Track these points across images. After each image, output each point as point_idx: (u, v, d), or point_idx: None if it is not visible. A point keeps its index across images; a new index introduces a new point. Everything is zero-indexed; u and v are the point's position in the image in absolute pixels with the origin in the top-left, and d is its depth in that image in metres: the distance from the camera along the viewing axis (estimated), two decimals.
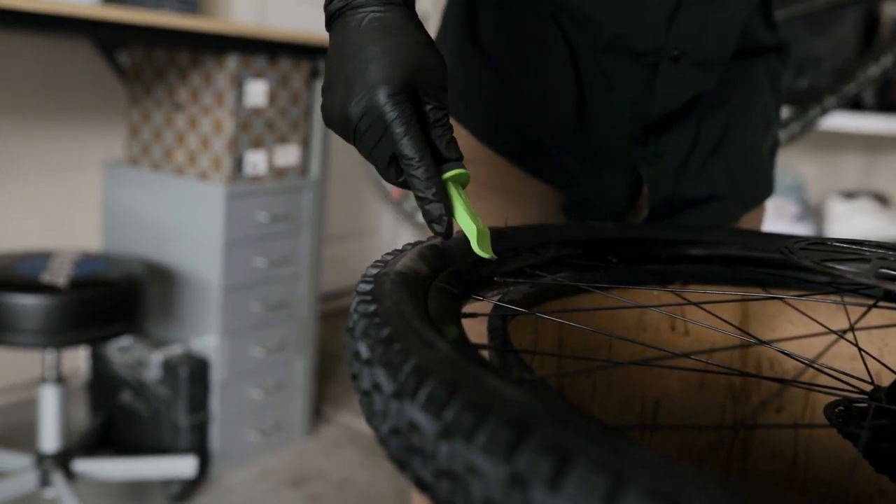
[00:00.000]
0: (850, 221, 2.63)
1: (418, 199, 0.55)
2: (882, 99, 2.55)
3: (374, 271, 0.49)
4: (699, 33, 0.77)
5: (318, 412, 2.57)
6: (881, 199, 2.67)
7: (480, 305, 0.55)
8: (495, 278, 0.59)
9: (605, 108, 0.82)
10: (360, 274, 2.96)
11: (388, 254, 0.54)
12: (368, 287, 0.45)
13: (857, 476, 0.75)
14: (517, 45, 0.84)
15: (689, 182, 0.85)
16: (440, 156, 0.57)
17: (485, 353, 0.44)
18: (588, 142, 0.84)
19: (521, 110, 0.86)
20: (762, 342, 0.59)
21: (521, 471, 0.27)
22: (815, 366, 0.53)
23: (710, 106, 0.84)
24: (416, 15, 0.61)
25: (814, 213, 2.74)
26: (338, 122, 0.57)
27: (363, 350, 0.38)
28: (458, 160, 0.58)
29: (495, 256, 0.57)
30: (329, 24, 0.61)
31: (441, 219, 0.55)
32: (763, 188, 0.92)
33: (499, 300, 0.56)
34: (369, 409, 0.37)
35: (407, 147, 0.54)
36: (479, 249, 0.56)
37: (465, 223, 0.56)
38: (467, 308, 0.53)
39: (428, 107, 0.57)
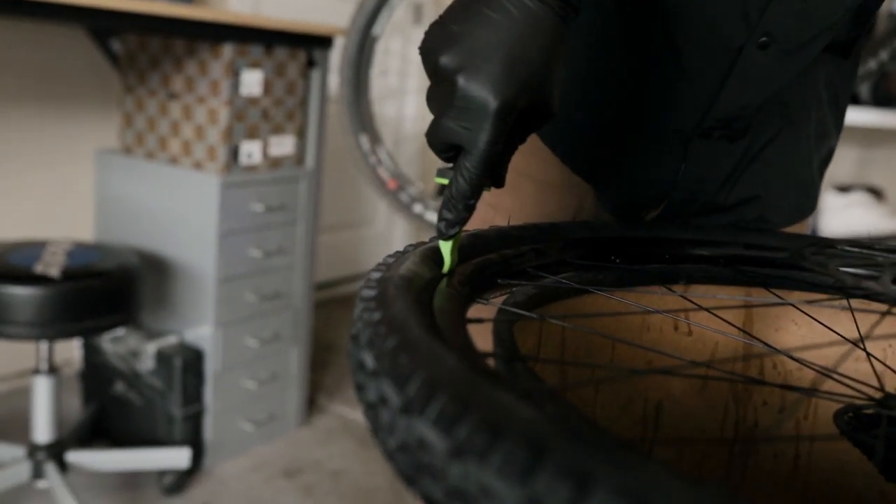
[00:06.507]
0: (845, 214, 2.63)
1: (451, 200, 0.53)
2: (878, 93, 2.55)
3: (377, 275, 0.48)
4: (794, 21, 0.69)
5: (313, 402, 2.56)
6: (875, 193, 2.67)
7: (485, 309, 0.54)
8: (499, 280, 0.58)
9: (671, 95, 0.76)
10: (354, 263, 2.95)
11: (389, 256, 0.53)
12: (372, 293, 0.44)
13: (859, 477, 0.75)
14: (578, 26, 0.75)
15: (726, 188, 0.81)
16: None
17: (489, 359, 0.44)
18: (641, 131, 0.79)
19: (571, 96, 0.78)
20: (767, 346, 0.58)
21: (539, 495, 0.26)
22: (825, 372, 0.52)
23: (766, 111, 0.78)
24: (568, 26, 0.55)
25: None
26: (435, 69, 0.52)
27: (369, 361, 0.37)
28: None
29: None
30: None
31: (453, 227, 0.53)
32: (806, 203, 0.87)
33: (504, 303, 0.55)
34: (375, 422, 0.36)
35: (480, 162, 0.51)
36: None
37: (446, 251, 0.54)
38: (472, 310, 0.52)
39: (516, 140, 0.54)
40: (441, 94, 0.52)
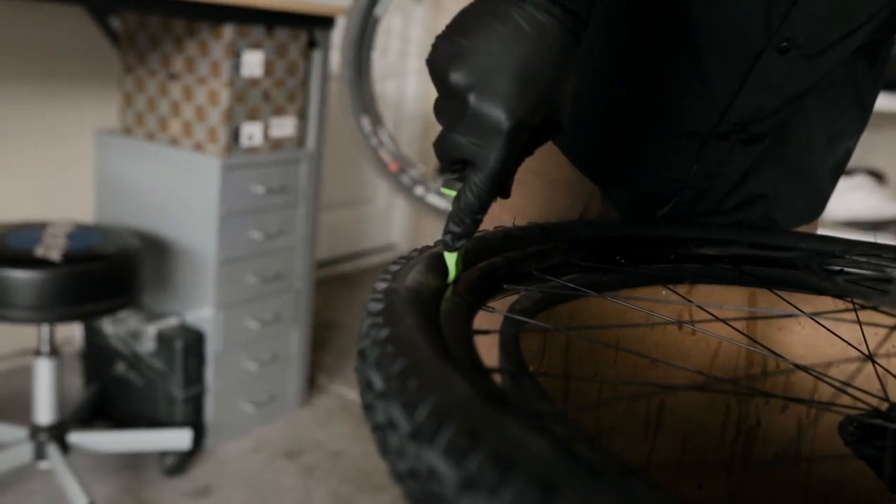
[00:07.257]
0: (846, 198, 2.62)
1: (459, 214, 0.52)
2: None
3: (383, 286, 0.47)
4: (816, 27, 0.68)
5: (313, 382, 2.57)
6: (877, 176, 2.67)
7: (491, 316, 0.54)
8: (504, 285, 0.58)
9: (687, 97, 0.74)
10: (355, 241, 2.93)
11: (394, 263, 0.53)
12: (379, 306, 0.44)
13: (860, 474, 0.75)
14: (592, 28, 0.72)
15: (736, 188, 0.80)
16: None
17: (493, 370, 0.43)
18: (655, 133, 0.78)
19: (584, 97, 0.76)
20: (772, 353, 0.58)
21: None
22: (838, 386, 0.52)
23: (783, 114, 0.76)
24: (578, 40, 0.54)
25: None
26: (445, 84, 0.51)
27: (377, 381, 0.37)
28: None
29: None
30: None
31: (459, 240, 0.53)
32: (816, 205, 0.86)
33: (509, 308, 0.55)
34: (384, 444, 0.36)
35: (490, 179, 0.50)
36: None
37: (451, 262, 0.54)
38: (478, 319, 0.52)
39: (524, 153, 0.54)
40: (451, 108, 0.51)
